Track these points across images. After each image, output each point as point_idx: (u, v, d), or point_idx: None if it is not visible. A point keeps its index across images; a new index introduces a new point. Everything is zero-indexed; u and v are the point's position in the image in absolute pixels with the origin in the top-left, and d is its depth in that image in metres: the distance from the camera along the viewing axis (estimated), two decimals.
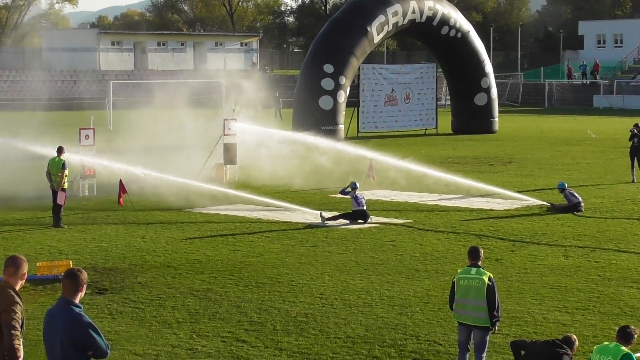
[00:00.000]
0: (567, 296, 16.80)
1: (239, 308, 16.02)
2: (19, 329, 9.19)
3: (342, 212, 24.82)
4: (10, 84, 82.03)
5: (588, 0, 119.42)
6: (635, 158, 32.75)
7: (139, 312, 15.81)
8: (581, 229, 23.50)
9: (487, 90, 54.85)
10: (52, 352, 8.69)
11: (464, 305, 12.23)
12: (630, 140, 33.04)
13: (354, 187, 24.84)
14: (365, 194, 26.72)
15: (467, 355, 12.50)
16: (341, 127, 49.56)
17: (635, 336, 10.68)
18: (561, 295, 16.88)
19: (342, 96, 49.28)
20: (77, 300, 8.68)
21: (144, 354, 13.62)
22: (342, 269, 18.99)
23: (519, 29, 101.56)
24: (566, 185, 27.01)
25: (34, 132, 31.98)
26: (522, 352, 11.63)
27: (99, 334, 8.60)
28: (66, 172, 24.25)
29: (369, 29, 49.52)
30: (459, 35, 52.93)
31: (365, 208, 24.50)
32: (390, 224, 24.44)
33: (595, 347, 10.89)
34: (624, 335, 10.60)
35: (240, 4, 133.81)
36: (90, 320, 8.62)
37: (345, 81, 49.28)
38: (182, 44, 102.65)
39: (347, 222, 24.31)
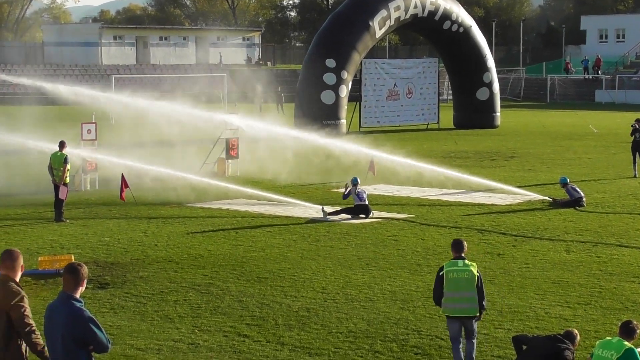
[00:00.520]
0: (569, 291, 16.80)
1: (240, 302, 16.03)
2: (32, 323, 9.22)
3: (344, 207, 24.82)
4: (12, 78, 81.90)
5: None
6: (637, 153, 32.70)
7: (140, 307, 15.82)
8: (583, 224, 23.50)
9: (489, 85, 54.80)
10: (53, 347, 8.70)
11: (455, 298, 12.33)
12: (632, 135, 33.01)
13: (354, 182, 24.83)
14: (367, 189, 26.70)
15: (461, 347, 12.57)
16: (343, 121, 49.55)
17: (638, 331, 10.67)
18: (563, 290, 16.89)
19: (344, 91, 49.26)
20: (77, 295, 8.69)
21: (145, 348, 13.63)
22: (344, 264, 18.99)
23: (521, 23, 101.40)
24: (568, 180, 27.00)
25: (35, 126, 31.98)
26: (524, 347, 11.63)
27: (99, 329, 8.61)
28: (68, 166, 24.27)
29: (371, 23, 49.47)
30: (461, 29, 52.87)
31: (367, 203, 24.49)
32: (392, 218, 24.44)
33: (597, 342, 10.88)
34: (627, 330, 10.60)
35: None
36: (91, 315, 8.63)
37: (347, 76, 49.26)
38: (184, 39, 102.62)
39: (349, 216, 24.31)
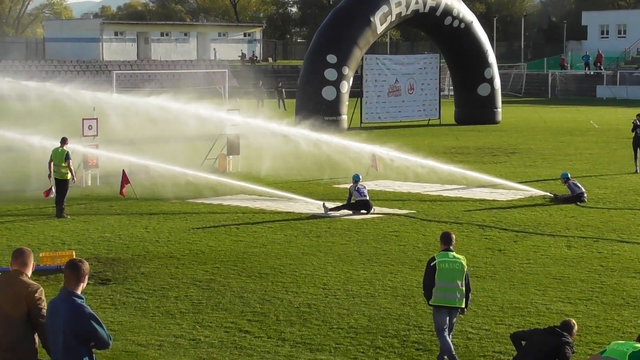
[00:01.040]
0: (570, 287, 16.80)
1: (241, 298, 16.04)
2: None
3: (345, 203, 24.82)
4: (13, 74, 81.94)
5: None
6: (638, 149, 32.70)
7: (141, 303, 15.82)
8: (584, 220, 23.50)
9: (491, 81, 54.78)
10: (54, 343, 8.70)
11: (447, 288, 12.58)
12: (633, 131, 33.00)
13: (356, 179, 24.84)
14: (368, 184, 26.71)
15: (447, 334, 12.75)
16: (344, 117, 49.55)
17: None
18: (564, 285, 16.89)
19: (346, 87, 49.25)
20: (79, 291, 8.70)
21: (147, 344, 13.64)
22: (345, 260, 19.00)
23: (522, 19, 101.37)
24: (569, 175, 26.99)
25: (36, 121, 31.96)
26: (523, 343, 11.62)
27: (100, 325, 8.62)
28: (71, 162, 24.33)
29: (372, 19, 49.45)
30: (462, 25, 52.84)
31: (367, 198, 24.47)
32: (393, 214, 24.44)
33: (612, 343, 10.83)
34: None
35: None
36: (92, 311, 8.63)
37: (349, 71, 49.25)
38: (186, 34, 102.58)
39: (350, 212, 24.31)
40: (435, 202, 26.46)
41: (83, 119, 30.02)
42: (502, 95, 59.27)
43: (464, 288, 12.62)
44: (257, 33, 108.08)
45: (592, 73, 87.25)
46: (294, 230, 22.25)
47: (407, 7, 50.55)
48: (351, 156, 31.01)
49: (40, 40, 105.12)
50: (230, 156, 33.13)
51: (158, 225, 22.86)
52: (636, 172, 32.32)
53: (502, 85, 60.09)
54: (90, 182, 29.67)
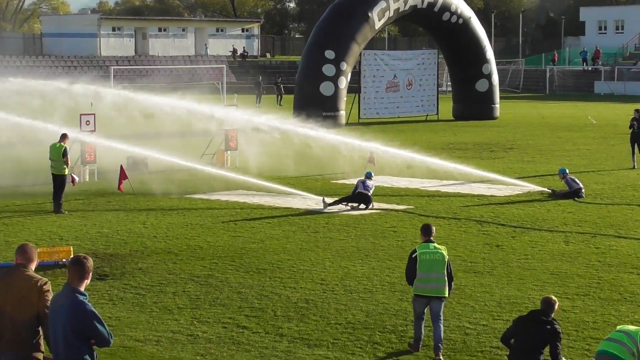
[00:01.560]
0: (568, 282, 16.82)
1: (239, 294, 16.04)
2: None
3: (343, 196, 24.82)
4: (11, 69, 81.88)
5: None
6: (636, 144, 32.73)
7: (139, 298, 15.83)
8: (582, 215, 23.51)
9: (489, 77, 54.77)
10: (55, 339, 8.69)
11: (428, 278, 12.97)
12: (630, 127, 33.03)
13: (368, 176, 24.89)
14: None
15: (423, 324, 13.15)
16: (342, 113, 49.54)
17: None
18: (561, 281, 16.90)
19: (344, 82, 49.24)
20: (82, 288, 8.68)
21: (144, 339, 13.64)
22: (343, 255, 19.00)
23: (521, 15, 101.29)
24: (567, 171, 27.01)
25: (33, 117, 31.93)
26: (512, 340, 11.44)
27: (102, 323, 8.61)
28: (69, 158, 24.36)
29: (370, 14, 49.44)
30: (460, 21, 52.82)
31: (369, 194, 24.45)
32: (391, 209, 24.44)
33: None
34: None
35: None
36: (93, 309, 8.62)
37: (347, 67, 49.23)
38: (183, 30, 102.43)
39: (349, 207, 24.29)
40: (434, 197, 26.47)
41: (81, 115, 30.00)
42: (500, 91, 59.26)
43: (445, 278, 12.99)
44: (255, 28, 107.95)
45: (589, 69, 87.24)
46: (292, 225, 22.25)
47: (405, 2, 50.53)
48: (348, 152, 31.00)
49: (37, 35, 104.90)
50: (229, 151, 33.13)
51: (156, 220, 22.86)
52: (634, 167, 32.33)
53: (500, 81, 60.06)
54: (88, 177, 29.64)
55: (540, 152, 37.73)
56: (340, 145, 31.31)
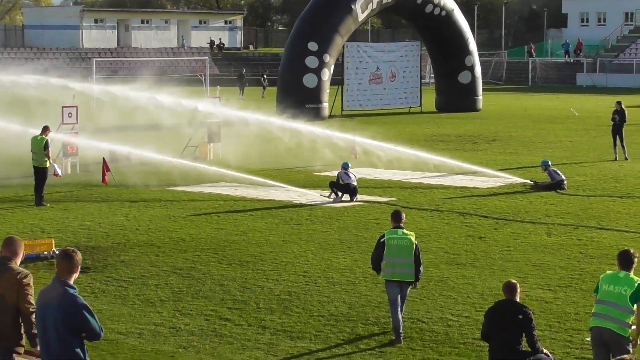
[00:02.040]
0: (550, 274, 16.88)
1: (222, 286, 16.03)
2: (34, 303, 9.31)
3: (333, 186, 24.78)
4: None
5: None
6: (618, 136, 32.86)
7: (122, 291, 15.79)
8: (564, 207, 23.59)
9: (471, 69, 54.83)
10: (44, 333, 8.63)
11: (395, 263, 13.26)
12: (612, 119, 33.14)
13: (345, 167, 24.88)
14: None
15: (399, 310, 13.31)
16: (325, 105, 49.50)
17: (636, 260, 10.78)
18: (544, 272, 16.96)
19: (327, 74, 49.19)
20: (71, 281, 8.68)
21: (127, 332, 13.61)
22: (326, 247, 19.00)
23: (503, 7, 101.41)
24: (550, 162, 27.08)
25: (18, 110, 31.77)
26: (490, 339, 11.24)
27: (93, 316, 8.59)
28: (50, 151, 24.23)
29: (353, 7, 49.36)
30: (443, 13, 52.82)
31: (355, 184, 24.52)
32: (374, 202, 24.46)
33: (602, 276, 10.88)
34: (627, 260, 10.77)
35: None
36: (84, 302, 8.61)
37: (330, 59, 49.18)
38: (166, 22, 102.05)
39: (331, 198, 24.32)
40: (416, 189, 26.50)
41: (63, 107, 29.84)
42: (483, 82, 59.32)
43: (413, 263, 13.21)
44: (238, 20, 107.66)
45: (572, 61, 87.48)
46: (274, 218, 22.23)
47: None
48: (330, 144, 30.98)
49: (19, 27, 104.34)
50: (211, 144, 33.07)
51: (138, 213, 22.79)
52: (615, 159, 32.45)
53: (482, 72, 60.12)
54: (70, 170, 29.51)
55: (522, 144, 37.82)
56: (323, 137, 31.30)
